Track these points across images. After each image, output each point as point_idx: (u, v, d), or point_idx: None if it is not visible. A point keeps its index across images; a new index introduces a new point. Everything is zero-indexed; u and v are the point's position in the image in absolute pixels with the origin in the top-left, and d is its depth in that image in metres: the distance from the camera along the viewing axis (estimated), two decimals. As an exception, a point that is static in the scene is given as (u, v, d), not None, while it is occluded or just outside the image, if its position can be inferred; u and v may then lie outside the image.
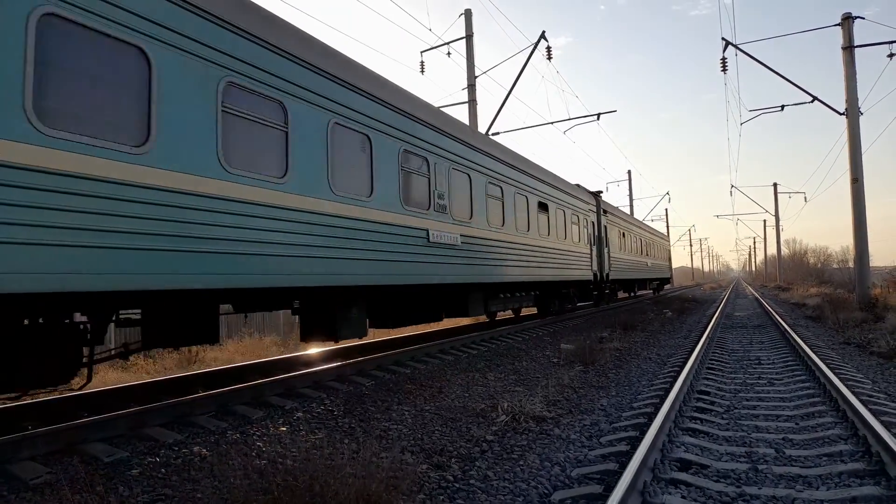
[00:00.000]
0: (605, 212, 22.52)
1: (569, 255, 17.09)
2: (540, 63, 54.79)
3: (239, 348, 13.15)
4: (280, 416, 6.03)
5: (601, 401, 6.94)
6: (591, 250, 19.74)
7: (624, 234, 25.96)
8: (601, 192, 22.86)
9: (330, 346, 11.82)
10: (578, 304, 22.65)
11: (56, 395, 7.47)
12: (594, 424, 5.85)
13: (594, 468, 4.42)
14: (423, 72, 22.68)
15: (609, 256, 22.33)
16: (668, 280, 43.99)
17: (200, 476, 4.20)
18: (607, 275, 21.93)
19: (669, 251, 45.00)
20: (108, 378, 10.25)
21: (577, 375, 8.50)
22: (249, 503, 3.42)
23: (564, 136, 55.53)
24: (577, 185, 20.18)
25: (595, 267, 20.13)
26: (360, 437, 5.22)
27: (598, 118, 23.46)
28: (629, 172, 50.18)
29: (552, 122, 24.17)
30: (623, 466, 4.20)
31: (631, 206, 48.40)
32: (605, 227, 22.28)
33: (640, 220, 39.54)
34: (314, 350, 11.35)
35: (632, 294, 35.46)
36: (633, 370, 9.11)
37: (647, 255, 32.11)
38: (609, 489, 3.80)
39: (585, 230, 19.16)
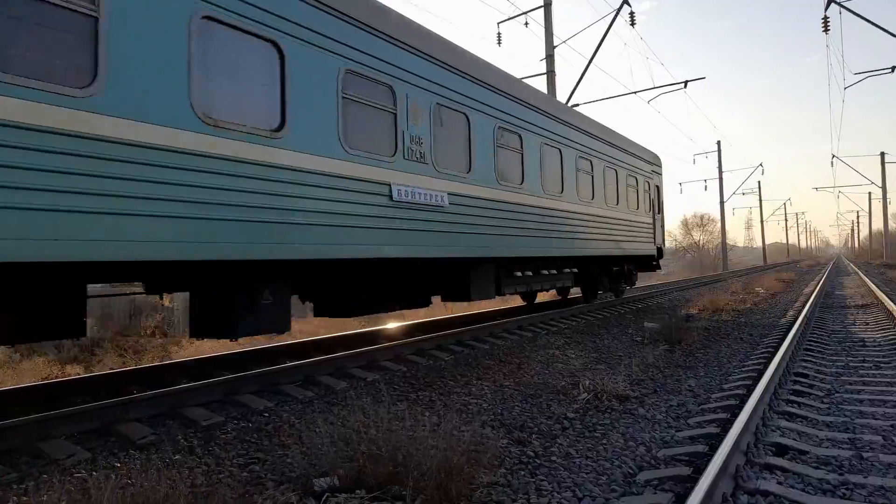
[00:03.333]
0: None
1: None
2: (622, 29, 52.90)
3: (323, 321, 13.61)
4: (363, 388, 6.19)
5: (688, 381, 6.68)
6: None
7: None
8: None
9: (409, 321, 12.02)
10: None
11: (157, 363, 8.02)
12: (681, 405, 5.64)
13: (682, 449, 4.26)
14: (499, 43, 22.31)
15: None
16: (649, 261, 17.25)
17: (290, 442, 4.38)
18: None
19: (657, 192, 17.49)
20: (203, 347, 10.91)
21: (662, 355, 8.22)
22: (336, 469, 3.53)
23: (648, 105, 53.30)
24: None
25: None
26: (441, 410, 5.28)
27: (685, 86, 22.26)
28: (718, 143, 47.72)
29: (635, 92, 23.21)
30: (713, 449, 4.02)
31: (720, 178, 46.05)
32: None
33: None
34: (392, 325, 11.58)
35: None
36: (723, 350, 8.70)
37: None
38: (698, 471, 3.64)
39: None
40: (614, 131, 14.69)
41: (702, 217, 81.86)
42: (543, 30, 20.47)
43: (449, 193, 7.95)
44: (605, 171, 13.42)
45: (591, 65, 25.57)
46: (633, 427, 4.92)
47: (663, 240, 18.33)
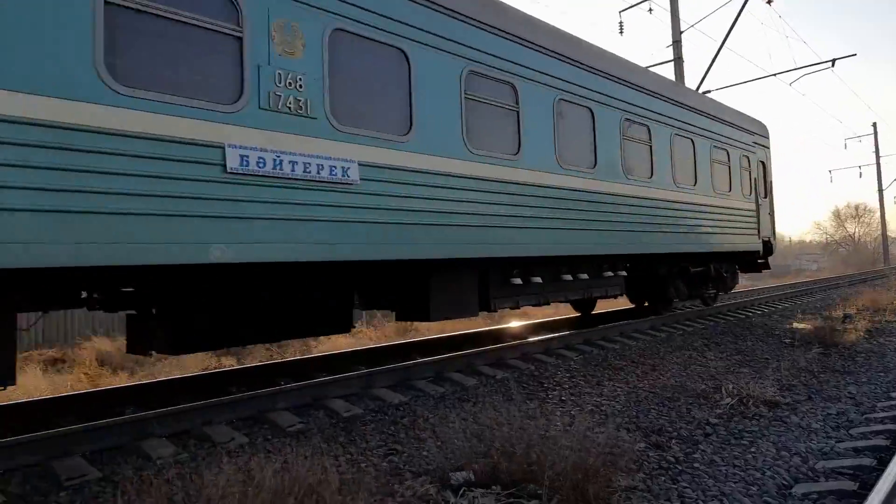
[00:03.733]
0: None
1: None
2: (758, 8, 48.84)
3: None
4: (492, 385, 6.24)
5: (848, 388, 6.06)
6: None
7: None
8: None
9: (533, 320, 11.95)
10: None
11: (298, 356, 8.59)
12: (841, 414, 5.13)
13: (844, 462, 3.88)
14: (621, 33, 21.52)
15: None
16: (753, 259, 13.37)
17: (425, 436, 4.52)
18: None
19: (762, 169, 13.71)
20: (338, 343, 11.54)
21: (816, 358, 7.52)
22: (470, 464, 3.59)
23: (790, 87, 48.97)
24: None
25: None
26: (572, 410, 5.19)
27: (833, 64, 20.25)
28: (874, 125, 42.86)
29: (774, 74, 21.47)
30: (883, 463, 3.63)
31: (878, 163, 41.37)
32: None
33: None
34: (516, 323, 11.57)
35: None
36: (889, 354, 7.80)
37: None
38: (866, 487, 3.30)
39: None
40: (689, 89, 11.71)
41: (857, 207, 73.79)
42: (669, 15, 19.47)
43: (363, 164, 5.37)
44: (673, 139, 10.04)
45: (724, 48, 23.90)
46: (786, 436, 4.55)
47: (773, 231, 13.95)
